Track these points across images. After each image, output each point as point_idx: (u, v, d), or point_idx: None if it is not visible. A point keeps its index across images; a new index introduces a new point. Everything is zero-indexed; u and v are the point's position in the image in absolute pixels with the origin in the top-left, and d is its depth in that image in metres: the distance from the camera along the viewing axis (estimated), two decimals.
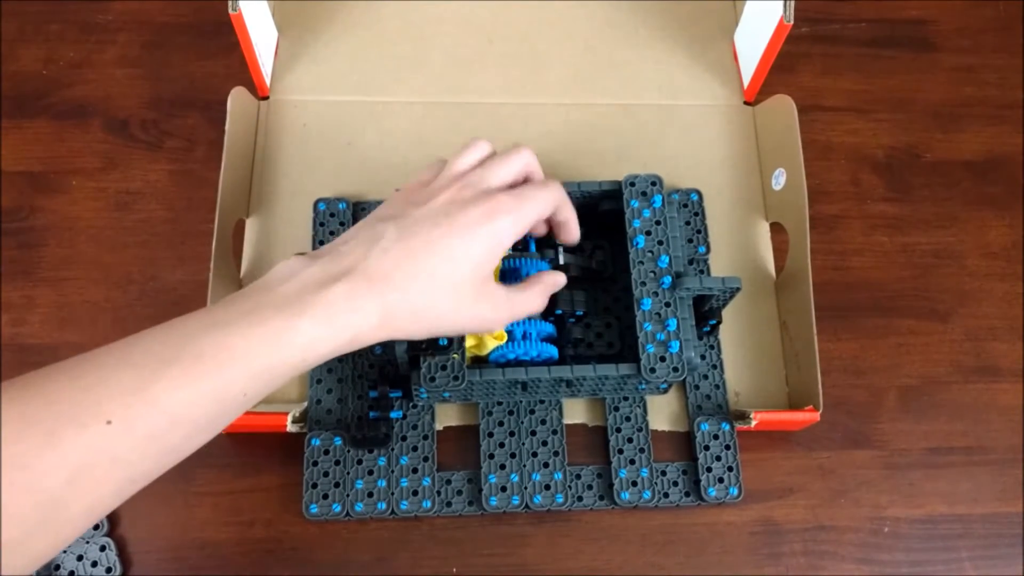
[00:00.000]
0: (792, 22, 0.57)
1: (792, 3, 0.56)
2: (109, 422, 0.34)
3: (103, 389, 0.34)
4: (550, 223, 0.51)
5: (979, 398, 0.60)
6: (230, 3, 0.55)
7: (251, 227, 0.61)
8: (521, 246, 0.55)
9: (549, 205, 0.48)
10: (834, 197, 0.65)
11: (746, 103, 0.67)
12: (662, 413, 0.58)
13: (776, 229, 0.63)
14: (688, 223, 0.62)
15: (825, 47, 0.70)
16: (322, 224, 0.60)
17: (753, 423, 0.54)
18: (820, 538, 0.56)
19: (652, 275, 0.52)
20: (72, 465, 0.33)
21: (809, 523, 0.56)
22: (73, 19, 0.68)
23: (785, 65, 0.67)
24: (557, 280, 0.51)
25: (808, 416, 0.55)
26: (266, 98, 0.65)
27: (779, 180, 0.61)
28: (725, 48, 0.69)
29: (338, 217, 0.60)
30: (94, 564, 0.52)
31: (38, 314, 0.59)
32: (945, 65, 0.70)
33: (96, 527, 0.53)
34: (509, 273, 0.52)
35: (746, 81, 0.66)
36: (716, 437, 0.56)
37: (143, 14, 0.68)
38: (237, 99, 0.59)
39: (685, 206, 0.62)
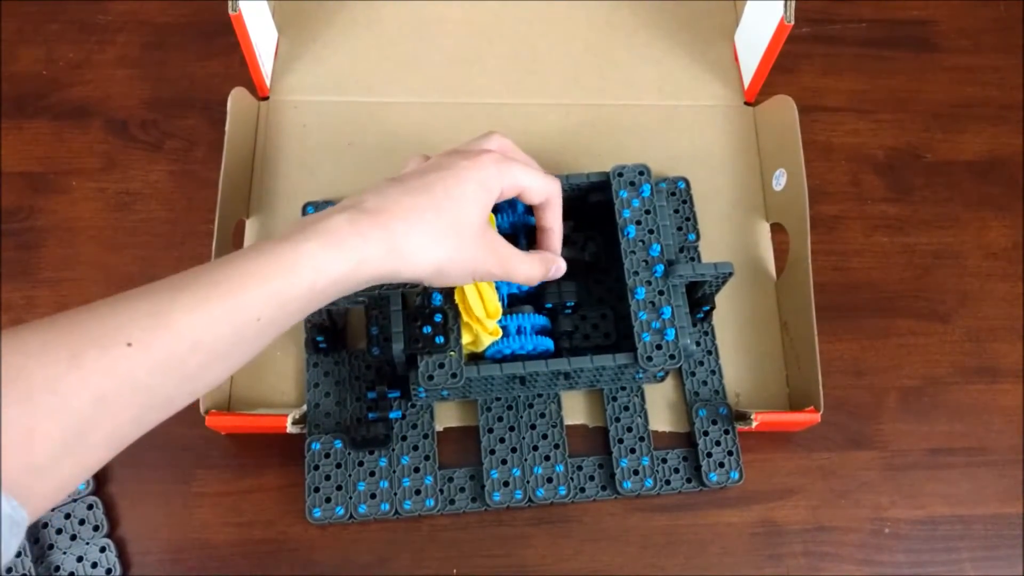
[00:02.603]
0: (793, 22, 0.57)
1: (793, 3, 0.56)
2: (129, 344, 0.34)
3: (122, 314, 0.35)
4: (536, 224, 0.52)
5: (980, 399, 0.60)
6: (230, 3, 0.55)
7: (251, 227, 0.61)
8: (511, 240, 0.55)
9: (538, 184, 0.49)
10: (834, 197, 0.65)
11: (747, 103, 0.67)
12: (660, 402, 0.58)
13: (776, 229, 0.63)
14: (677, 211, 0.62)
15: (826, 47, 0.70)
16: None
17: (754, 424, 0.54)
18: (821, 539, 0.56)
19: (644, 264, 0.52)
20: (96, 387, 0.33)
21: (810, 524, 0.56)
22: (73, 19, 0.68)
23: (786, 65, 0.67)
24: (559, 264, 0.52)
25: (809, 417, 0.55)
26: (266, 98, 0.65)
27: (779, 180, 0.61)
28: (725, 48, 0.69)
29: None
30: (94, 565, 0.52)
31: (38, 314, 0.59)
32: (946, 65, 0.70)
33: (96, 527, 0.53)
34: None
35: (747, 81, 0.66)
36: (715, 422, 0.56)
37: (143, 14, 0.68)
38: (237, 99, 0.59)
39: (673, 194, 0.62)
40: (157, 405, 0.36)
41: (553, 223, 0.52)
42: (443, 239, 0.44)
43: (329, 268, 0.40)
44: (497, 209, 0.54)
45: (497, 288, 0.52)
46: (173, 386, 0.36)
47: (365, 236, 0.41)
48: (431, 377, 0.49)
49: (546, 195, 0.50)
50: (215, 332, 0.37)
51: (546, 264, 0.51)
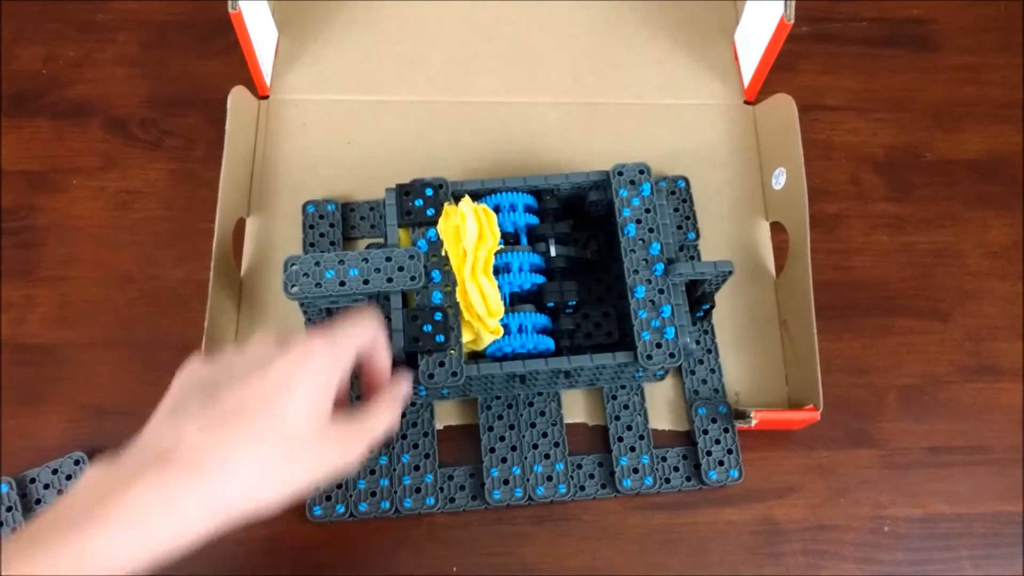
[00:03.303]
0: (793, 21, 0.57)
1: (793, 2, 0.56)
2: None
3: None
4: (366, 369, 0.44)
5: (979, 398, 0.60)
6: (230, 2, 0.55)
7: (251, 226, 0.61)
8: (513, 239, 0.55)
9: (366, 332, 0.42)
10: (835, 196, 0.65)
11: (746, 102, 0.67)
12: (660, 400, 0.58)
13: (776, 229, 0.63)
14: (677, 210, 0.62)
15: (826, 46, 0.70)
16: (312, 227, 0.60)
17: (753, 422, 0.54)
18: (820, 537, 0.56)
19: (644, 263, 0.52)
20: None
21: (809, 522, 0.56)
22: (73, 18, 0.68)
23: (786, 64, 0.67)
24: (404, 391, 0.45)
25: (808, 415, 0.55)
26: (266, 98, 0.65)
27: (779, 179, 0.61)
28: (725, 48, 0.69)
29: (327, 219, 0.60)
30: None
31: (38, 314, 0.59)
32: (946, 65, 0.70)
33: None
34: (501, 268, 0.53)
35: (746, 80, 0.66)
36: (714, 421, 0.56)
37: (143, 13, 0.68)
38: (237, 99, 0.59)
39: (673, 193, 0.62)
40: None
41: (383, 362, 0.44)
42: (276, 468, 0.36)
43: (138, 556, 0.33)
44: (497, 210, 0.55)
45: (499, 287, 0.52)
46: None
47: (175, 503, 0.33)
48: (431, 375, 0.50)
49: (371, 336, 0.43)
50: None
51: (394, 403, 0.44)
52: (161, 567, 0.34)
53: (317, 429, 0.38)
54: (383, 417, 0.42)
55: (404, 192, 0.54)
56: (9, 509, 0.52)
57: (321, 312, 0.53)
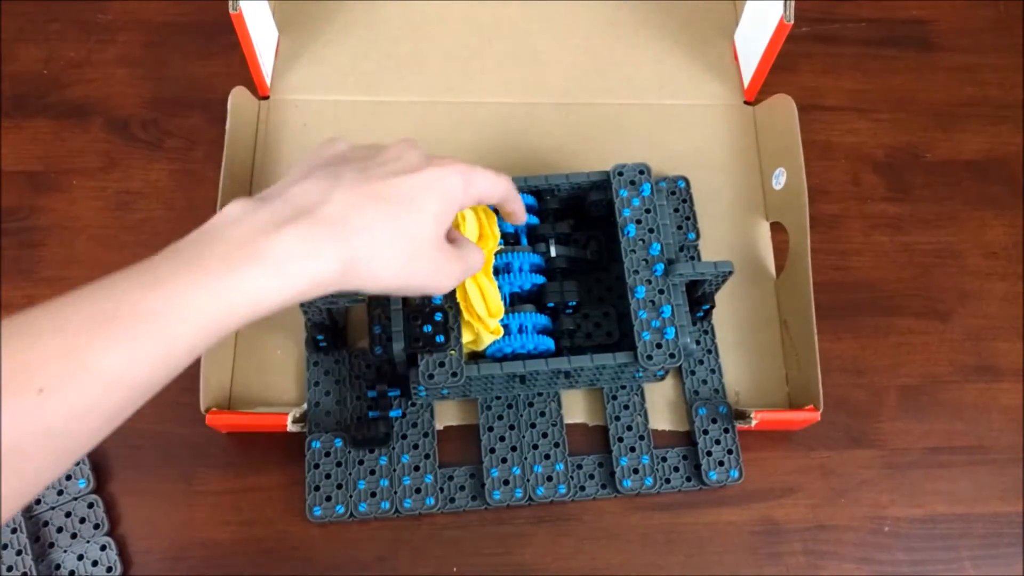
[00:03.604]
0: (792, 22, 0.57)
1: (792, 3, 0.56)
2: (41, 390, 0.31)
3: (33, 354, 0.31)
4: (500, 210, 0.51)
5: (979, 398, 0.60)
6: (230, 3, 0.55)
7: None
8: (513, 240, 0.55)
9: (498, 188, 0.47)
10: (834, 197, 0.65)
11: (746, 103, 0.67)
12: (660, 400, 0.58)
13: (776, 229, 0.63)
14: (677, 210, 0.62)
15: (825, 47, 0.70)
16: None
17: (753, 423, 0.54)
18: (820, 538, 0.56)
19: (644, 263, 0.52)
20: (5, 439, 0.30)
21: (809, 523, 0.56)
22: (73, 19, 0.68)
23: (785, 65, 0.67)
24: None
25: (808, 416, 0.55)
26: (266, 98, 0.65)
27: (779, 180, 0.61)
28: (725, 48, 0.69)
29: None
30: (95, 564, 0.52)
31: None
32: (945, 65, 0.70)
33: (96, 526, 0.53)
34: (501, 268, 0.53)
35: (746, 81, 0.66)
36: (714, 421, 0.56)
37: (143, 14, 0.68)
38: (237, 99, 0.59)
39: (673, 193, 0.62)
40: (78, 447, 0.33)
41: (516, 207, 0.50)
42: (399, 256, 0.40)
43: (278, 294, 0.36)
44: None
45: (499, 287, 0.52)
46: (92, 426, 0.33)
47: (319, 254, 0.37)
48: (431, 376, 0.50)
49: (502, 195, 0.48)
50: (139, 369, 0.33)
51: (481, 250, 0.49)
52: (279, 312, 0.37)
53: (435, 240, 0.43)
54: (476, 255, 0.47)
55: None
56: None
57: (321, 312, 0.53)
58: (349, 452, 0.54)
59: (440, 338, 0.49)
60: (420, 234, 0.41)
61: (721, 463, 0.55)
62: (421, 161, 0.43)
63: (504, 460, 0.55)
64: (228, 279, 0.35)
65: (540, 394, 0.56)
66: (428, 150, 0.64)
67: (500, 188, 0.47)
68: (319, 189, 0.39)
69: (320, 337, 0.56)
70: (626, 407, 0.57)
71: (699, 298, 0.55)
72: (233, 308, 0.35)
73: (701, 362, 0.59)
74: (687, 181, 0.63)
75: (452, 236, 0.47)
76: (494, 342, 0.52)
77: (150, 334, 0.33)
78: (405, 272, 0.41)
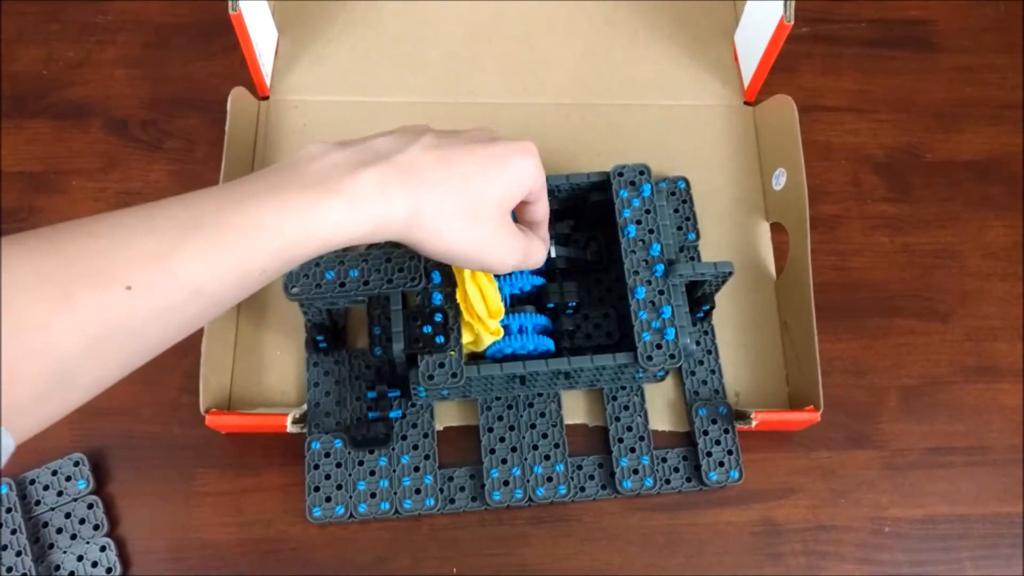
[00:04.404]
0: (792, 22, 0.57)
1: (792, 3, 0.56)
2: (128, 288, 0.32)
3: (123, 252, 0.33)
4: (528, 219, 0.51)
5: (980, 398, 0.60)
6: (230, 3, 0.55)
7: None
8: None
9: (543, 182, 0.48)
10: (834, 197, 0.65)
11: (746, 103, 0.67)
12: (660, 401, 0.58)
13: (776, 229, 0.63)
14: (677, 211, 0.62)
15: (825, 47, 0.70)
16: None
17: (754, 423, 0.54)
18: (820, 538, 0.56)
19: (644, 264, 0.52)
20: (88, 330, 0.32)
21: (810, 523, 0.56)
22: (73, 19, 0.68)
23: (785, 65, 0.67)
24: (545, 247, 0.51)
25: (809, 416, 0.55)
26: (266, 98, 0.65)
27: (779, 180, 0.61)
28: (725, 48, 0.69)
29: None
30: (94, 564, 0.52)
31: None
32: (945, 65, 0.70)
33: (96, 527, 0.53)
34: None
35: (746, 81, 0.66)
36: (715, 421, 0.56)
37: (143, 14, 0.68)
38: (237, 99, 0.59)
39: (673, 194, 0.62)
40: (149, 349, 0.35)
41: (545, 215, 0.50)
42: (463, 217, 0.42)
43: (348, 230, 0.38)
44: None
45: (499, 288, 0.52)
46: (168, 332, 0.35)
47: (390, 199, 0.39)
48: (431, 376, 0.50)
49: (542, 192, 0.49)
50: (218, 281, 0.35)
51: (546, 244, 0.50)
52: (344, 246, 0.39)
53: (500, 215, 0.44)
54: (541, 246, 0.49)
55: None
56: (9, 510, 0.52)
57: (321, 312, 0.53)
58: (349, 453, 0.54)
59: (440, 339, 0.49)
60: (486, 203, 0.42)
61: (721, 464, 0.55)
62: (498, 139, 0.45)
63: (504, 461, 0.55)
64: (306, 207, 0.37)
65: (540, 395, 0.56)
66: None
67: (543, 182, 0.48)
68: (399, 143, 0.42)
69: (320, 338, 0.56)
70: (626, 408, 0.56)
71: (699, 299, 0.55)
72: (308, 234, 0.37)
73: (701, 363, 0.59)
74: (687, 181, 0.63)
75: (519, 226, 0.48)
76: (494, 343, 0.52)
77: (231, 247, 0.35)
78: (467, 237, 0.42)
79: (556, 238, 0.55)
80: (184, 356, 0.56)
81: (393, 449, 0.55)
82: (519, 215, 0.50)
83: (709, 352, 0.59)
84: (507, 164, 0.43)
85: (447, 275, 0.51)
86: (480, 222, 0.42)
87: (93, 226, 0.34)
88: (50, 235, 0.33)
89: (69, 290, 0.31)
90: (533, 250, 0.47)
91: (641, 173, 0.54)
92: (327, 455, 0.54)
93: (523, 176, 0.44)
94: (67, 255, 0.32)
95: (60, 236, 0.33)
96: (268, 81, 0.65)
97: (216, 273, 0.35)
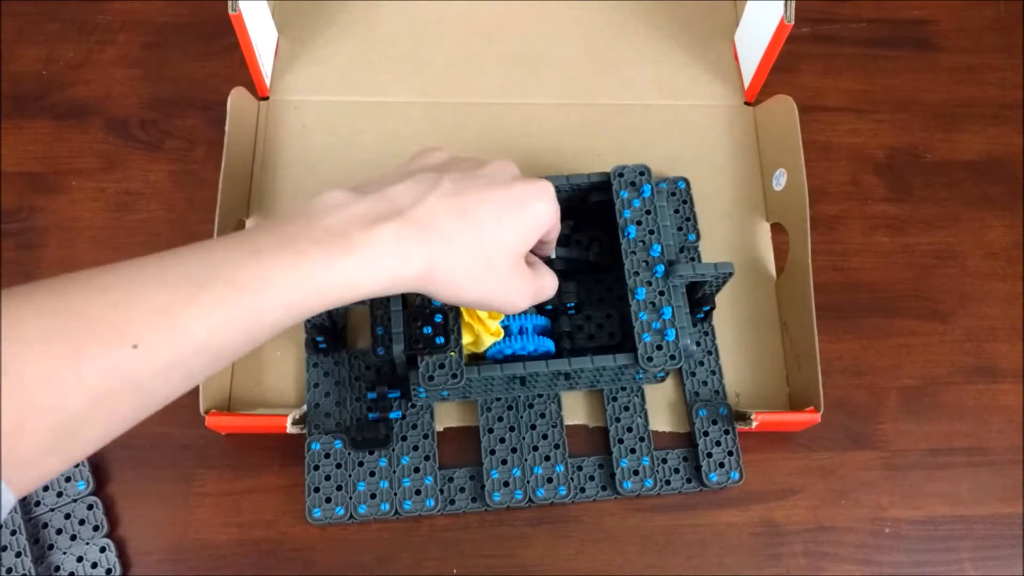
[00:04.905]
0: (793, 22, 0.57)
1: (793, 3, 0.56)
2: (135, 345, 0.32)
3: (133, 308, 0.33)
4: (538, 255, 0.52)
5: (980, 399, 0.60)
6: (230, 3, 0.55)
7: (251, 227, 0.61)
8: None
9: (558, 216, 0.47)
10: (835, 197, 0.65)
11: (746, 103, 0.67)
12: (660, 402, 0.58)
13: (776, 229, 0.63)
14: (677, 211, 0.62)
15: (826, 47, 0.70)
16: None
17: (754, 424, 0.54)
18: (821, 539, 0.56)
19: (645, 264, 0.52)
20: (94, 387, 0.31)
21: (810, 524, 0.56)
22: (73, 19, 0.68)
23: (786, 65, 0.67)
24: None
25: (809, 417, 0.55)
26: (266, 98, 0.65)
27: (780, 180, 0.61)
28: (725, 48, 0.69)
29: None
30: (94, 565, 0.52)
31: None
32: (945, 65, 0.70)
33: (96, 528, 0.53)
34: None
35: (746, 81, 0.66)
36: (715, 422, 0.56)
37: (143, 14, 0.68)
38: (237, 99, 0.59)
39: (673, 194, 0.62)
40: (154, 403, 0.35)
41: (552, 243, 0.51)
42: (477, 268, 0.41)
43: (363, 285, 0.38)
44: None
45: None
46: (173, 386, 0.35)
47: (407, 256, 0.39)
48: (431, 377, 0.49)
49: (557, 227, 0.49)
50: (227, 337, 0.35)
51: (555, 276, 0.50)
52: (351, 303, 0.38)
53: (514, 261, 0.43)
54: (551, 281, 0.49)
55: None
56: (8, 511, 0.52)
57: (321, 313, 0.53)
58: (349, 454, 0.54)
59: (440, 340, 0.49)
60: (501, 251, 0.42)
61: (721, 464, 0.55)
62: (516, 180, 0.44)
63: (504, 462, 0.55)
64: (321, 264, 0.37)
65: (540, 396, 0.56)
66: None
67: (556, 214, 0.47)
68: (416, 192, 0.41)
69: (320, 338, 0.55)
70: (626, 409, 0.56)
71: (699, 299, 0.55)
72: (321, 291, 0.37)
73: (701, 363, 0.58)
74: (687, 182, 0.63)
75: (529, 260, 0.48)
76: (494, 344, 0.52)
77: (242, 304, 0.35)
78: (481, 286, 0.42)
79: (556, 238, 0.55)
80: None
81: (393, 450, 0.55)
82: (540, 251, 0.51)
83: (709, 353, 0.59)
84: (524, 210, 0.43)
85: None
86: (494, 271, 0.42)
87: (102, 278, 0.33)
88: (58, 288, 0.33)
89: (76, 346, 0.31)
90: (544, 286, 0.48)
91: (641, 174, 0.54)
92: (327, 456, 0.54)
93: (539, 220, 0.44)
94: (75, 310, 0.32)
95: (69, 289, 0.33)
96: (268, 81, 0.65)
97: (225, 329, 0.34)
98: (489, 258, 0.42)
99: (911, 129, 0.68)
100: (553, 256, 0.54)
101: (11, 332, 0.30)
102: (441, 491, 0.54)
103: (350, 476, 0.54)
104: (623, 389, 0.57)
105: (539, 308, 0.54)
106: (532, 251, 0.50)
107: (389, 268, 0.38)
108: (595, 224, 0.58)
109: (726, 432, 0.56)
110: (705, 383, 0.58)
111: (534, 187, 0.44)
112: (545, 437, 0.55)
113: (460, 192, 0.41)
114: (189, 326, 0.33)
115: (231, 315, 0.34)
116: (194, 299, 0.34)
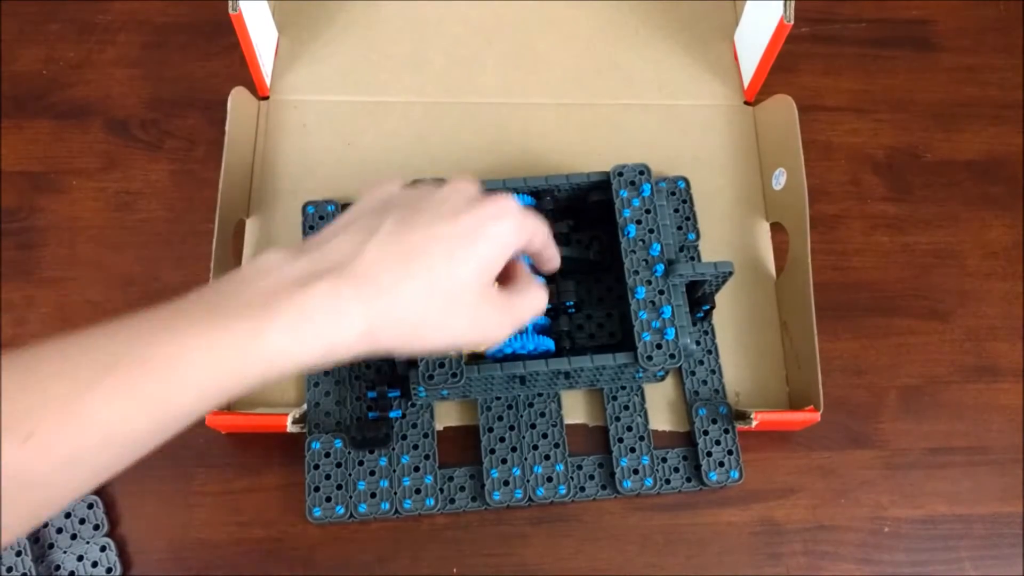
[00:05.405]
0: (792, 22, 0.57)
1: (792, 3, 0.56)
2: (28, 438, 0.28)
3: (29, 398, 0.29)
4: (534, 256, 0.47)
5: (979, 398, 0.60)
6: (230, 3, 0.55)
7: (251, 227, 0.61)
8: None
9: (541, 233, 0.44)
10: (834, 197, 0.65)
11: (746, 103, 0.67)
12: (660, 401, 0.58)
13: (776, 229, 0.63)
14: (677, 210, 0.62)
15: (825, 47, 0.70)
16: (311, 228, 0.60)
17: (754, 423, 0.54)
18: (820, 538, 0.56)
19: (644, 263, 0.52)
20: None
21: (809, 523, 0.56)
22: (73, 19, 0.68)
23: (785, 65, 0.67)
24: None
25: (809, 416, 0.55)
26: (266, 98, 0.65)
27: (779, 180, 0.61)
28: (725, 48, 0.69)
29: (327, 220, 0.60)
30: (94, 564, 0.52)
31: (38, 314, 0.59)
32: (945, 65, 0.70)
33: (96, 527, 0.53)
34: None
35: (746, 81, 0.66)
36: (715, 421, 0.56)
37: (143, 14, 0.68)
38: (237, 99, 0.59)
39: (673, 194, 0.62)
40: (58, 499, 0.31)
41: (552, 252, 0.47)
42: (432, 314, 0.37)
43: (290, 359, 0.34)
44: None
45: None
46: (77, 482, 0.31)
47: (340, 316, 0.34)
48: (431, 376, 0.50)
49: (543, 241, 0.45)
50: (135, 424, 0.31)
51: (543, 289, 0.45)
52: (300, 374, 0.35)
53: (480, 292, 0.39)
54: (536, 297, 0.43)
55: None
56: None
57: None
58: (349, 453, 0.54)
59: None
60: (459, 289, 0.38)
61: (721, 464, 0.55)
62: (470, 204, 0.39)
63: (504, 461, 0.55)
64: (244, 335, 0.33)
65: (540, 395, 0.56)
66: (428, 151, 0.65)
67: (543, 232, 0.44)
68: (353, 243, 0.37)
69: None
70: (626, 408, 0.57)
71: (699, 299, 0.55)
72: (245, 366, 0.33)
73: (701, 363, 0.59)
74: (687, 181, 0.63)
75: (512, 274, 0.44)
76: None
77: (152, 386, 0.31)
78: (444, 332, 0.38)
79: (556, 238, 0.55)
80: None
81: (393, 449, 0.55)
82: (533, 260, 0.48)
83: (709, 352, 0.59)
84: (478, 239, 0.38)
85: None
86: (455, 312, 0.38)
87: (9, 366, 0.30)
88: None
89: None
90: (526, 308, 0.43)
91: (641, 173, 0.55)
92: (327, 455, 0.54)
93: (503, 242, 0.39)
94: None
95: None
96: (268, 81, 0.65)
97: (132, 415, 0.31)
98: (446, 300, 0.37)
99: (911, 129, 0.68)
100: (559, 264, 0.54)
101: None
102: (441, 490, 0.54)
103: (350, 475, 0.54)
104: (623, 388, 0.57)
105: None
106: (532, 267, 0.47)
107: (319, 335, 0.34)
108: (595, 223, 0.58)
109: (726, 431, 0.56)
110: (705, 382, 0.58)
111: (490, 209, 0.39)
112: (545, 436, 0.55)
113: (402, 234, 0.37)
114: (92, 413, 0.30)
115: (138, 398, 0.31)
116: (98, 383, 0.30)
